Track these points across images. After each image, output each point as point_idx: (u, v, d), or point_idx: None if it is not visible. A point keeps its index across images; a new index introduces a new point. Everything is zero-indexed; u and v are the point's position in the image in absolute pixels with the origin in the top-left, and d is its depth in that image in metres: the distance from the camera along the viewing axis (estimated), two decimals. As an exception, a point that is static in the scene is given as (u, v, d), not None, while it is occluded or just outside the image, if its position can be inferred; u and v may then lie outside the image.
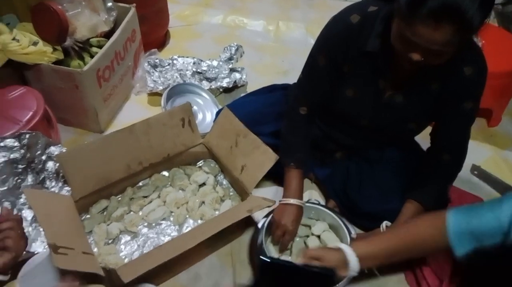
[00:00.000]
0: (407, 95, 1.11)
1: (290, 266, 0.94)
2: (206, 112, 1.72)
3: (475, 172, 1.55)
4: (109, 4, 1.69)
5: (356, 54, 1.07)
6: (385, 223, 1.16)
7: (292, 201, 1.17)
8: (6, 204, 1.23)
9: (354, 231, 1.20)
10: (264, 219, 1.22)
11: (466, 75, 1.03)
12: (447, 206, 1.19)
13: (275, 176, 1.36)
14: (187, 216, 1.31)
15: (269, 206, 1.13)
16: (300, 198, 1.20)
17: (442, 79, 1.05)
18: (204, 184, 1.39)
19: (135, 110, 1.75)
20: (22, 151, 1.28)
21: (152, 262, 0.98)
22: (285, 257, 1.22)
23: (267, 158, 1.23)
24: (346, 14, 1.07)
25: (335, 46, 1.09)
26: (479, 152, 1.65)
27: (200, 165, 1.45)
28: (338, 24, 1.09)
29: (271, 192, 1.43)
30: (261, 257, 0.93)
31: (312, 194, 1.43)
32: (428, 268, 1.16)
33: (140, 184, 1.38)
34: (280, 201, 1.20)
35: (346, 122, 1.22)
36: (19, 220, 1.01)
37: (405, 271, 1.22)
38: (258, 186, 1.39)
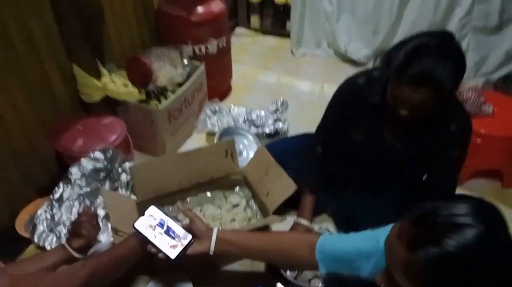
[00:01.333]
0: (405, 142, 1.35)
1: (164, 212, 1.23)
2: (250, 151, 2.04)
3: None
4: (185, 61, 2.08)
5: (361, 107, 1.36)
6: None
7: (302, 221, 1.45)
8: (87, 202, 1.60)
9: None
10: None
11: (452, 130, 1.26)
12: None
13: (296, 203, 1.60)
14: (219, 228, 1.59)
15: (280, 222, 1.39)
16: (309, 218, 1.47)
17: (432, 133, 1.29)
18: (237, 205, 1.67)
19: (194, 145, 2.07)
20: (105, 163, 1.65)
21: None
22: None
23: (288, 186, 1.49)
24: (355, 77, 1.39)
25: (345, 99, 1.40)
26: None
27: (237, 190, 1.74)
28: (349, 83, 1.40)
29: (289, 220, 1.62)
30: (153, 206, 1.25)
31: (328, 225, 1.65)
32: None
33: (188, 199, 1.69)
34: (294, 220, 1.46)
35: (357, 162, 1.48)
36: (95, 214, 1.34)
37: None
38: (279, 214, 1.63)
